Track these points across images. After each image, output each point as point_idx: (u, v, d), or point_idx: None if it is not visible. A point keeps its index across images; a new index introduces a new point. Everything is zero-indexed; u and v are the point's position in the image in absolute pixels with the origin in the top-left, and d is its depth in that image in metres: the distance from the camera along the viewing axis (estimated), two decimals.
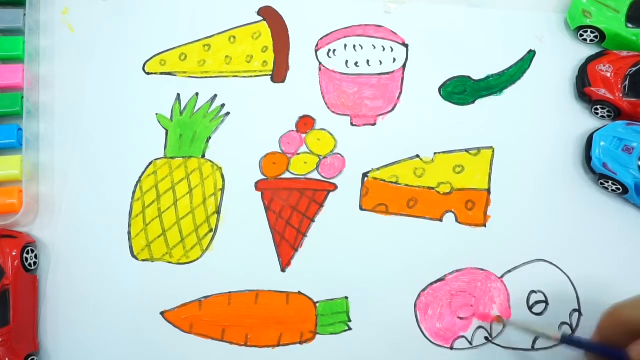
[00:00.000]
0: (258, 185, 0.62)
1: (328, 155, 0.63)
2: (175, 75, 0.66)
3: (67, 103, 0.65)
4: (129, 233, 0.61)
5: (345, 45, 0.66)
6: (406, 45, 0.66)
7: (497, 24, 0.67)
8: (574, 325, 0.56)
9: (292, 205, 0.61)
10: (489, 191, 0.61)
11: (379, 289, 0.58)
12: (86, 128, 0.64)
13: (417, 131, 0.63)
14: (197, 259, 0.60)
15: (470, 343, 0.56)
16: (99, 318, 0.58)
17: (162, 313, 0.58)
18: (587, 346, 0.46)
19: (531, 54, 0.66)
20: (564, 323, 0.56)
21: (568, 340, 0.47)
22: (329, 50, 0.66)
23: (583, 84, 0.62)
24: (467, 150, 0.62)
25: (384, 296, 0.58)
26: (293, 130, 0.64)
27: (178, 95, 0.65)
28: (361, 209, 0.61)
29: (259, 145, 0.63)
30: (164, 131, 0.64)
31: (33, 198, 0.61)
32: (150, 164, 0.63)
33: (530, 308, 0.57)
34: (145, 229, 0.61)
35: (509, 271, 0.58)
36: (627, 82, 0.60)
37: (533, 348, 0.56)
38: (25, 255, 0.57)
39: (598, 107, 0.62)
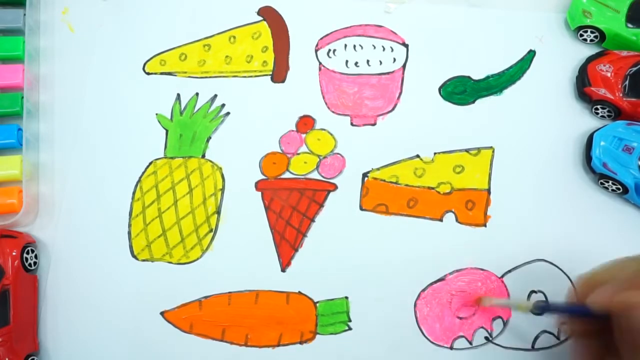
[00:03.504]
0: (258, 185, 0.62)
1: (328, 155, 0.63)
2: (175, 75, 0.66)
3: (67, 103, 0.65)
4: (129, 233, 0.61)
5: (345, 45, 0.66)
6: (406, 45, 0.66)
7: (497, 24, 0.67)
8: None
9: (292, 205, 0.61)
10: (489, 191, 0.61)
11: (379, 289, 0.58)
12: (86, 128, 0.64)
13: (417, 131, 0.63)
14: (197, 259, 0.60)
15: (470, 343, 0.56)
16: (99, 318, 0.58)
17: (162, 313, 0.58)
18: (559, 308, 0.48)
19: (531, 54, 0.66)
20: (564, 323, 0.56)
21: (542, 308, 0.49)
22: (329, 50, 0.66)
23: (583, 84, 0.62)
24: (467, 150, 0.62)
25: (384, 296, 0.58)
26: (293, 130, 0.64)
27: (178, 95, 0.65)
28: (361, 209, 0.61)
29: (259, 145, 0.63)
30: (164, 131, 0.64)
31: (33, 198, 0.61)
32: (150, 164, 0.63)
33: None
34: (145, 229, 0.61)
35: (509, 271, 0.58)
36: (627, 82, 0.60)
37: (533, 348, 0.56)
38: (25, 255, 0.57)
39: (598, 107, 0.62)
